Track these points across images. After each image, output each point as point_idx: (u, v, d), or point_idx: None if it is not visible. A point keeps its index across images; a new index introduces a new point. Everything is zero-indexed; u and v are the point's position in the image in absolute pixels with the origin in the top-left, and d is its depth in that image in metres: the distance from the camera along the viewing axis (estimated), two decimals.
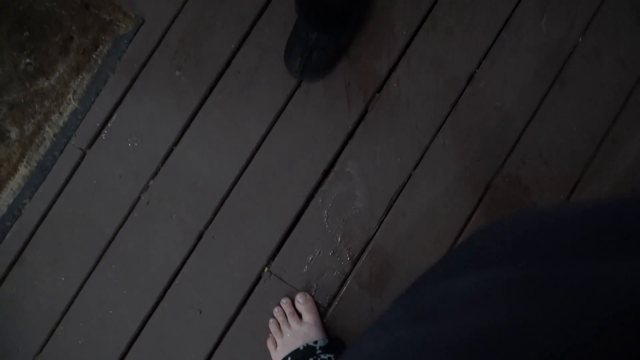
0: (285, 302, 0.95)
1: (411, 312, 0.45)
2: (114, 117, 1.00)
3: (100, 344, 0.97)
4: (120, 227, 0.99)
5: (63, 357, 0.97)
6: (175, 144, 1.00)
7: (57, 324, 0.97)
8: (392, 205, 0.98)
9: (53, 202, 0.99)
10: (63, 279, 0.98)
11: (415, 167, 0.99)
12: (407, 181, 0.99)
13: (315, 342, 0.91)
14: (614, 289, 0.31)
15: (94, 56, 1.00)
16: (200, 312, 0.97)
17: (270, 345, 0.94)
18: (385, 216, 0.98)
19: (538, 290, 0.34)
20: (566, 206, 0.66)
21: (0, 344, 0.98)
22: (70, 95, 1.00)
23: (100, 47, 1.01)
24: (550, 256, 0.40)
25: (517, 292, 0.35)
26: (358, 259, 0.97)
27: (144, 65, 1.01)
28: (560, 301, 0.32)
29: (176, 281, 0.98)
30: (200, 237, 0.98)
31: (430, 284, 0.52)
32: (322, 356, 0.89)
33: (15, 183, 0.99)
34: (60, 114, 1.00)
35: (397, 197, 0.98)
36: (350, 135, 1.00)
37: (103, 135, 1.00)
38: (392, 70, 1.00)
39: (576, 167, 0.98)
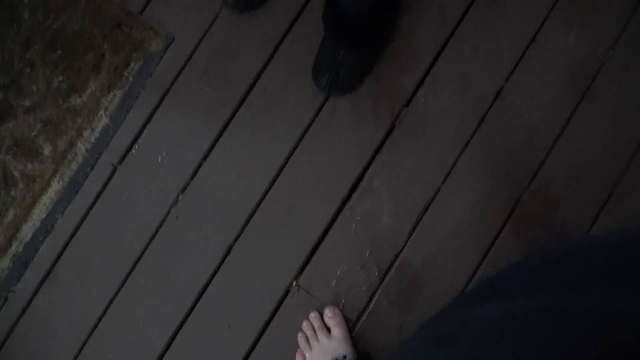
0: (313, 316, 0.96)
1: (433, 335, 0.46)
2: (144, 133, 1.02)
3: (130, 359, 0.98)
4: (150, 241, 1.00)
5: None
6: (204, 159, 1.01)
7: (87, 339, 0.98)
8: (419, 221, 0.99)
9: (84, 217, 1.00)
10: (94, 293, 0.99)
11: (442, 183, 0.99)
12: (435, 197, 0.99)
13: (344, 357, 0.91)
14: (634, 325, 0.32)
15: (125, 74, 1.02)
16: (229, 327, 0.97)
17: (299, 359, 0.95)
18: (413, 232, 0.98)
19: (556, 327, 0.35)
20: (593, 238, 0.66)
21: (31, 358, 0.99)
22: (101, 112, 1.02)
23: (132, 64, 1.03)
24: (573, 288, 0.41)
25: (535, 327, 0.36)
26: (386, 274, 0.98)
27: (173, 83, 1.02)
28: (578, 338, 0.33)
29: (205, 296, 0.98)
30: (228, 252, 0.99)
31: (455, 311, 0.52)
32: None
33: (48, 198, 1.01)
34: (92, 130, 1.02)
35: (425, 212, 0.99)
36: (377, 151, 1.00)
37: (134, 151, 1.01)
38: (418, 87, 1.01)
39: (606, 184, 0.98)
